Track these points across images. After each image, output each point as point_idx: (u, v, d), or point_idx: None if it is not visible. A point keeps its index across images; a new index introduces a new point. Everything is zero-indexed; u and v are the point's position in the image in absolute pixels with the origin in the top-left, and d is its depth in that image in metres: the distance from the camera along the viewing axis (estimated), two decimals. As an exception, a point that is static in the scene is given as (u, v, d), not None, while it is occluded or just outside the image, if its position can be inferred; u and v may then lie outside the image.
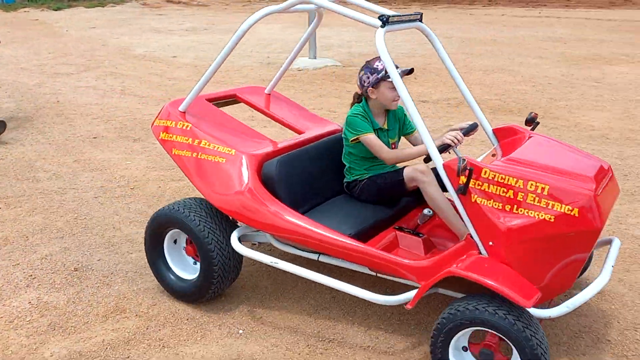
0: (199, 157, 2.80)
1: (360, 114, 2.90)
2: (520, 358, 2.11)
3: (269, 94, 3.63)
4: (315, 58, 9.72)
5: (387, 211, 2.88)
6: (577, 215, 2.16)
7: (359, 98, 2.99)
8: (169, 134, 2.93)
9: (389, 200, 2.94)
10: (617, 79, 8.17)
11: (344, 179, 3.07)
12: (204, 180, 2.78)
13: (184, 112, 2.97)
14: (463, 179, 2.28)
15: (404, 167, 2.87)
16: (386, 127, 2.99)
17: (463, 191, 2.30)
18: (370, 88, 2.88)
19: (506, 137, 2.85)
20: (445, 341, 2.26)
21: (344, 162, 3.04)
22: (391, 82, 2.77)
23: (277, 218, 2.61)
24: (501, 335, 2.15)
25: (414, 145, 3.09)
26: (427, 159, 2.53)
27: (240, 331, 2.73)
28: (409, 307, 2.32)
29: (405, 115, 3.08)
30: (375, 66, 2.86)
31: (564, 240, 2.21)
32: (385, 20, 2.36)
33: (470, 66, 9.39)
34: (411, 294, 2.37)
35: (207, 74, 2.82)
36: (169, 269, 2.95)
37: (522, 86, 7.78)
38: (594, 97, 7.13)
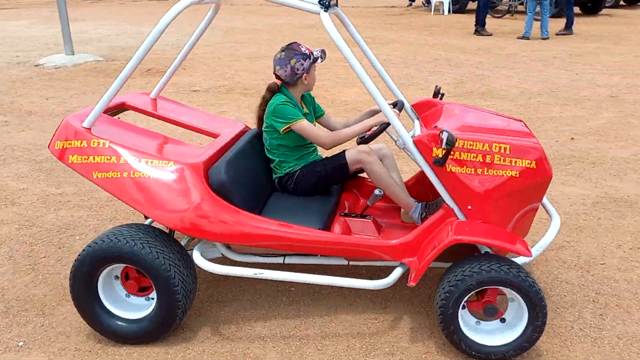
0: (132, 176, 2.43)
1: (288, 102, 2.79)
2: (527, 305, 2.25)
3: (155, 99, 3.29)
4: (73, 54, 9.06)
5: (329, 199, 2.86)
6: (535, 167, 2.39)
7: (278, 88, 2.89)
8: (82, 156, 2.47)
9: (326, 188, 2.92)
10: (361, 59, 9.27)
11: (273, 176, 2.97)
12: (148, 200, 2.41)
13: (90, 129, 2.54)
14: (440, 151, 2.38)
15: (343, 151, 2.85)
16: (307, 112, 2.96)
17: (441, 163, 2.38)
18: (305, 74, 2.84)
19: (424, 111, 2.99)
20: (455, 308, 2.30)
21: (272, 157, 2.92)
22: (315, 65, 2.85)
23: (246, 226, 2.44)
24: (509, 289, 2.28)
25: (326, 127, 3.10)
26: (366, 140, 2.67)
27: (20, 343, 2.56)
28: (413, 283, 2.35)
29: (313, 98, 3.08)
30: (304, 51, 2.81)
31: (527, 192, 2.44)
32: (327, 5, 2.37)
33: (236, 54, 9.73)
34: (396, 273, 2.45)
35: (118, 80, 2.43)
36: (111, 314, 2.50)
37: (285, 70, 8.38)
38: (344, 76, 8.00)
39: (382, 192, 2.73)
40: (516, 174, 2.39)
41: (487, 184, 2.41)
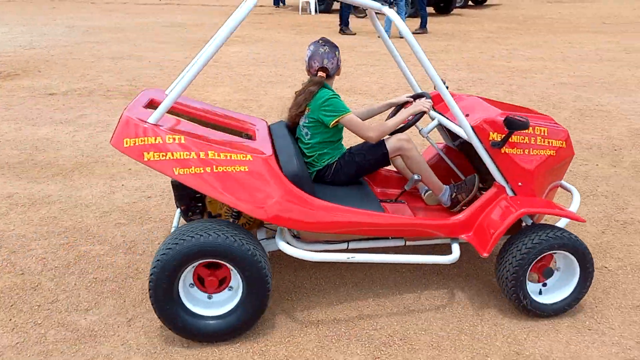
0: (215, 170, 2.41)
1: (337, 95, 2.85)
2: (580, 265, 2.63)
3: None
4: None
5: (367, 187, 3.04)
6: (565, 146, 2.82)
7: (322, 82, 2.88)
8: (160, 153, 2.39)
9: (361, 176, 3.07)
10: (230, 58, 9.30)
11: (310, 169, 2.97)
12: (234, 194, 2.42)
13: (159, 125, 2.46)
14: (500, 136, 2.68)
15: (382, 140, 2.93)
16: None
17: (500, 145, 2.68)
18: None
19: (436, 103, 3.20)
20: (525, 275, 2.60)
21: (310, 153, 2.95)
22: None
23: (327, 214, 2.54)
24: (567, 253, 2.62)
25: None
26: (403, 129, 2.91)
27: None
28: (486, 254, 2.60)
29: None
30: (334, 44, 2.93)
31: (559, 168, 2.87)
32: (391, 2, 2.59)
33: (98, 54, 9.29)
34: (457, 249, 2.73)
35: (188, 77, 2.40)
36: (191, 313, 2.46)
37: (151, 70, 8.16)
38: (213, 75, 8.00)
39: (420, 176, 2.95)
40: (553, 153, 2.80)
41: (534, 163, 2.76)
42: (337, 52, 2.93)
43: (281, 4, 18.56)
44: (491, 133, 2.70)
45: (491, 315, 2.74)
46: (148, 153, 2.40)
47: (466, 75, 8.25)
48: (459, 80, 7.94)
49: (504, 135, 2.69)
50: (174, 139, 2.42)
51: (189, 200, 2.87)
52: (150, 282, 2.37)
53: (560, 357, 2.44)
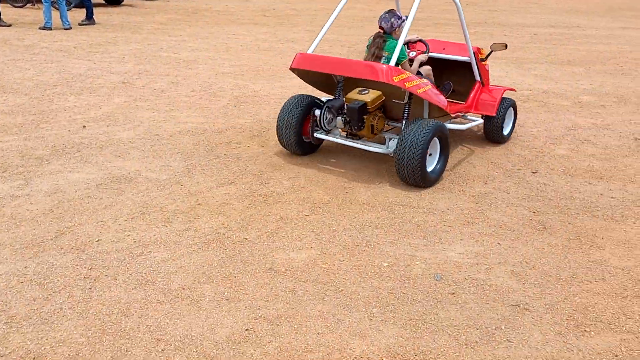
0: (429, 89, 4.38)
1: None
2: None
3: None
4: None
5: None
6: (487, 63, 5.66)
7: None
8: (411, 81, 4.16)
9: None
10: None
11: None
12: (437, 99, 4.47)
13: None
14: (482, 56, 5.23)
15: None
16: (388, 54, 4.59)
17: (484, 60, 5.23)
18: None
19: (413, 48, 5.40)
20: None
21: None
22: None
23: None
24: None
25: None
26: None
27: None
28: (494, 114, 5.08)
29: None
30: (398, 14, 4.59)
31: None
32: None
33: None
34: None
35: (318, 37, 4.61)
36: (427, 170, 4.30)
37: None
38: None
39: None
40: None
41: (488, 70, 5.37)
42: (397, 18, 4.55)
43: None
44: (480, 55, 5.17)
45: (136, 309, 2.74)
46: (407, 82, 4.11)
47: (132, 67, 8.09)
48: (124, 72, 7.74)
49: (487, 54, 5.22)
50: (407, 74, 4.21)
51: (361, 119, 4.32)
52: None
53: (199, 332, 2.58)
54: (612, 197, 4.17)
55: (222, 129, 5.51)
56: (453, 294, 2.93)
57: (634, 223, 3.76)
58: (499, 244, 3.46)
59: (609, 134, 5.71)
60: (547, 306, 2.83)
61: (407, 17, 4.39)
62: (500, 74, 8.45)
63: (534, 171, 4.66)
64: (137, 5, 16.24)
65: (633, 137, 5.60)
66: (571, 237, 3.56)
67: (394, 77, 4.01)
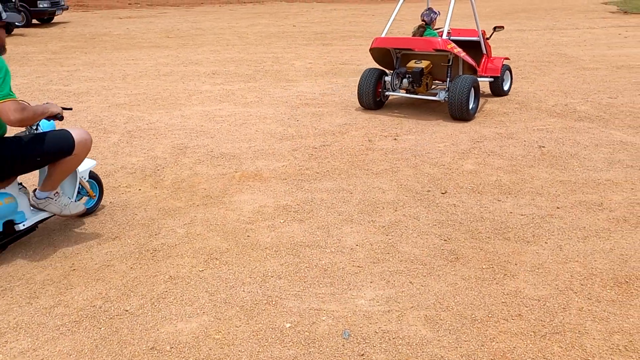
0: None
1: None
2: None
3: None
4: None
5: None
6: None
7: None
8: (455, 49, 6.40)
9: None
10: None
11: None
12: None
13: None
14: (486, 36, 7.61)
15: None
16: None
17: (489, 38, 7.58)
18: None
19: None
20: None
21: None
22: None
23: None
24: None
25: None
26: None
27: None
28: (498, 74, 7.38)
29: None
30: (435, 10, 7.02)
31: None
32: None
33: None
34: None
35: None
36: None
37: None
38: None
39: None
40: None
41: (490, 46, 7.62)
42: (430, 12, 6.98)
43: None
44: (485, 35, 7.34)
45: None
46: (455, 50, 6.40)
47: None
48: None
49: (491, 33, 7.42)
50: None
51: (420, 79, 6.59)
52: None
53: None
54: (521, 215, 4.04)
55: (110, 171, 4.98)
56: (362, 355, 2.61)
57: (546, 243, 3.63)
58: (410, 282, 3.20)
59: (513, 143, 5.67)
60: (463, 358, 2.57)
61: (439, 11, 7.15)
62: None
63: (443, 192, 4.48)
64: (29, 34, 15.14)
65: (537, 145, 5.59)
66: (484, 267, 3.35)
67: (447, 45, 6.29)
